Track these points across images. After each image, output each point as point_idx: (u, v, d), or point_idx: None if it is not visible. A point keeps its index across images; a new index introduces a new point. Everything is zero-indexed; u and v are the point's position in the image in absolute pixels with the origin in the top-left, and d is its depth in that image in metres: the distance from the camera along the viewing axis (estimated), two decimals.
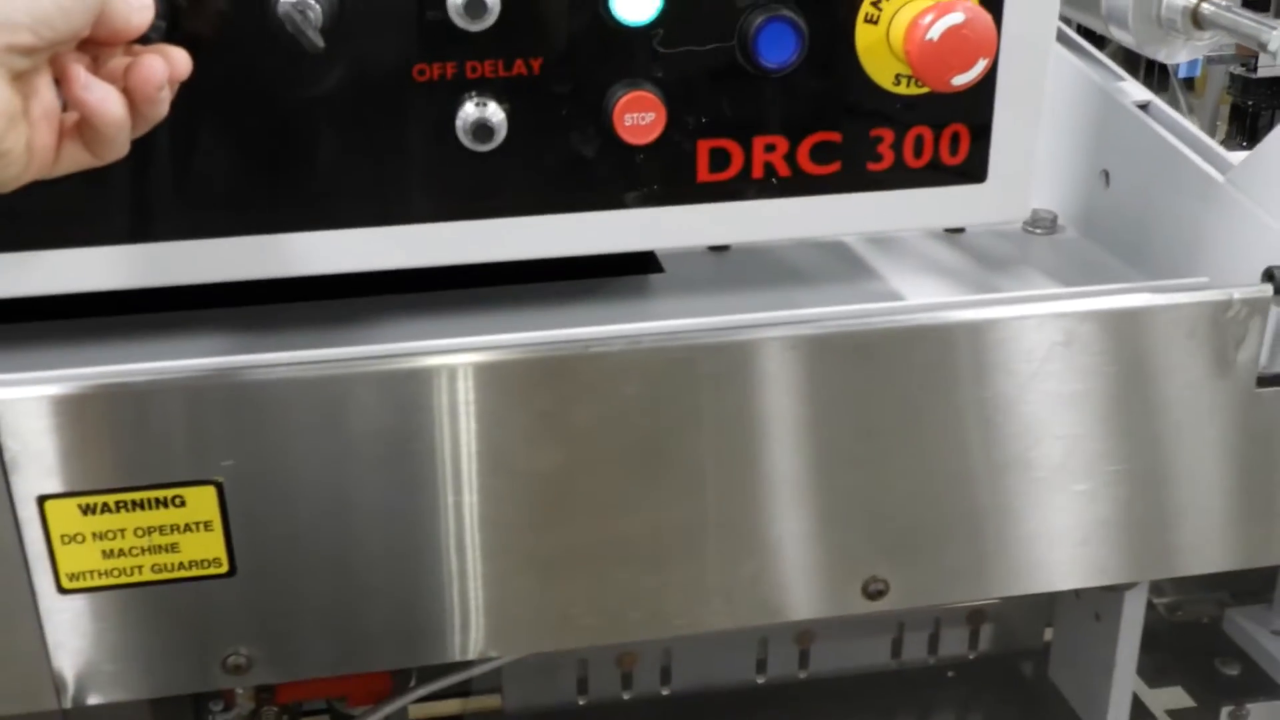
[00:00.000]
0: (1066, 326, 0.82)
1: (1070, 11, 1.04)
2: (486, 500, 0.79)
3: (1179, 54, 1.00)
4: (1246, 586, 1.28)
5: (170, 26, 0.70)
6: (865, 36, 0.80)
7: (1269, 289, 0.83)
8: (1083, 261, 1.00)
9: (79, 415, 0.74)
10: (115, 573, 0.77)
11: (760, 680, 1.21)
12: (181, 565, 0.78)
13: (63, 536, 0.76)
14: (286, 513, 0.78)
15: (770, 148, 0.82)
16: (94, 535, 0.76)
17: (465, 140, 0.77)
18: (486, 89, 0.77)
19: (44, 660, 0.79)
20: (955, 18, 0.76)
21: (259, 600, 0.80)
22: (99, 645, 0.79)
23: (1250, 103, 2.25)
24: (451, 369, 0.76)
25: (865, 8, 0.79)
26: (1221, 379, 0.85)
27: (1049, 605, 1.22)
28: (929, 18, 0.76)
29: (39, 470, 0.74)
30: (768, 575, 0.85)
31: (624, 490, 0.81)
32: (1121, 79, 1.03)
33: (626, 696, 1.19)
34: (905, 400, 0.82)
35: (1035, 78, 0.84)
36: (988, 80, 0.81)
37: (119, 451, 0.75)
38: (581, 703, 1.19)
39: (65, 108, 0.60)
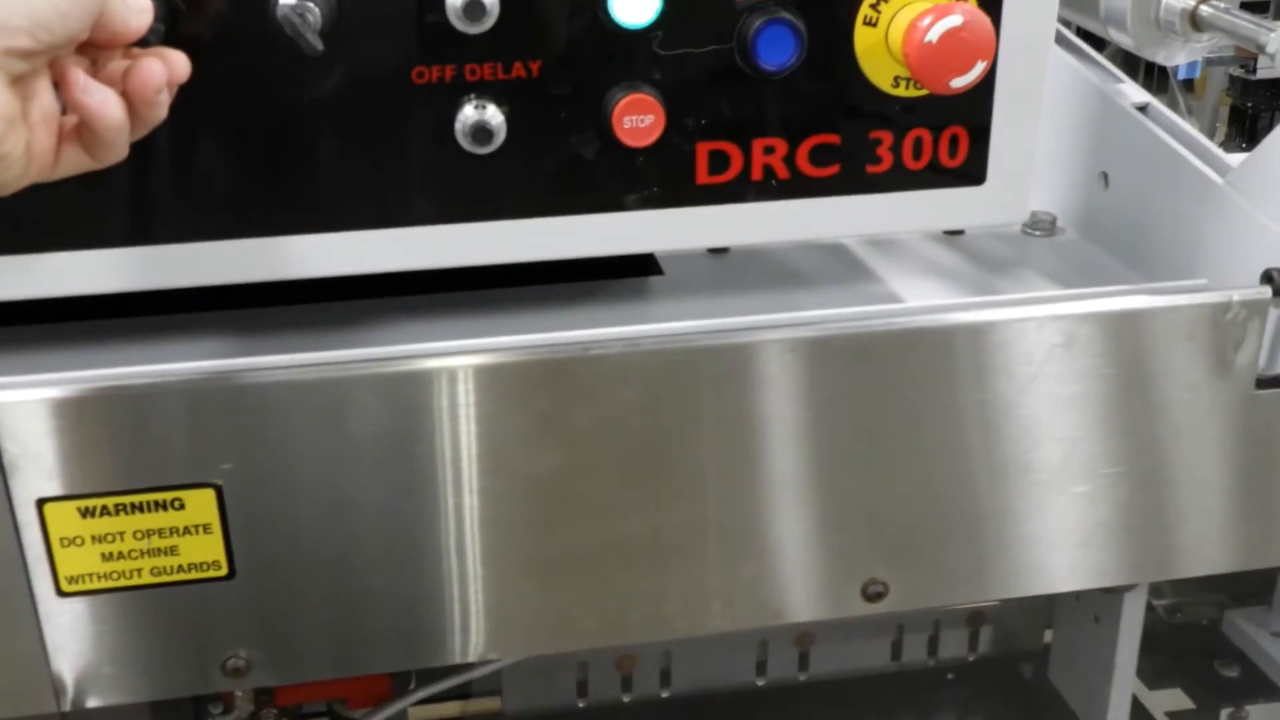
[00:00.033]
0: (1066, 328, 0.82)
1: (1069, 13, 1.04)
2: (486, 502, 0.79)
3: (1178, 56, 1.00)
4: (1246, 588, 1.28)
5: (169, 29, 0.69)
6: (864, 39, 0.80)
7: (1268, 291, 0.83)
8: (1082, 263, 1.00)
9: (78, 418, 0.74)
10: (114, 575, 0.77)
11: (760, 682, 1.21)
12: (181, 568, 0.78)
13: (62, 539, 0.76)
14: (286, 515, 0.78)
15: (769, 150, 0.82)
16: (93, 538, 0.76)
17: (464, 143, 0.77)
18: (486, 91, 0.77)
19: (43, 663, 0.78)
20: (954, 20, 0.76)
21: (258, 603, 0.80)
22: (98, 648, 0.79)
23: (1249, 104, 2.26)
24: (451, 371, 0.76)
25: (864, 10, 0.79)
26: (1221, 381, 0.85)
27: (1049, 607, 1.22)
28: (928, 20, 0.76)
29: (38, 473, 0.74)
30: (767, 577, 0.85)
31: (624, 492, 0.81)
32: (1120, 81, 1.03)
33: (626, 699, 1.19)
34: (905, 402, 0.82)
35: (1034, 80, 0.84)
36: (987, 82, 0.81)
37: (118, 454, 0.75)
38: (581, 705, 1.18)
39: (64, 111, 0.60)
